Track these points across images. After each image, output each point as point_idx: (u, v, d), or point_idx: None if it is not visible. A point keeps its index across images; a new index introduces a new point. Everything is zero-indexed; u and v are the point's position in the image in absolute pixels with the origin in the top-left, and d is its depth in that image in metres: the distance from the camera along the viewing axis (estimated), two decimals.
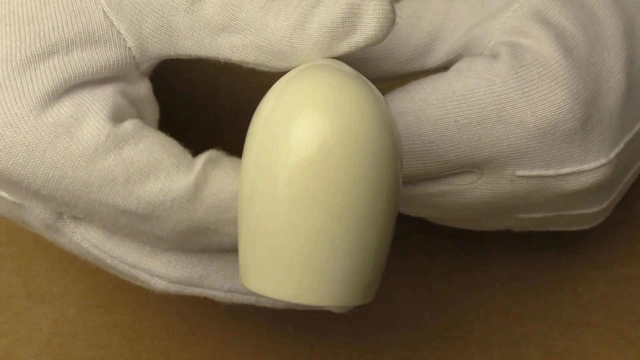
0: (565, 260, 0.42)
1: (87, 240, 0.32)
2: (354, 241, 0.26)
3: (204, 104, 0.41)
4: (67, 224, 0.32)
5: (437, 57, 0.36)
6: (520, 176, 0.33)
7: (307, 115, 0.26)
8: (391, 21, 0.30)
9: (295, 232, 0.26)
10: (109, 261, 0.32)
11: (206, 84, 0.41)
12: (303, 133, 0.26)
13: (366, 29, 0.30)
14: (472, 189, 0.34)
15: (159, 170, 0.30)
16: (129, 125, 0.30)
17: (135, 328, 0.40)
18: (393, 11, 0.30)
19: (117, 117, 0.30)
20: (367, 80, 0.28)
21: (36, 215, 0.31)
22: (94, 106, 0.30)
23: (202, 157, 0.31)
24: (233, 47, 0.31)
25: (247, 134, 0.28)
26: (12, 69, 0.29)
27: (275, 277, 0.27)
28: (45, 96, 0.29)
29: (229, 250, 0.32)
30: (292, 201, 0.26)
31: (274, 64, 0.31)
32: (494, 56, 0.34)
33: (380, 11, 0.30)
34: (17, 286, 0.41)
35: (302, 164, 0.26)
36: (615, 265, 0.42)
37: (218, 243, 0.32)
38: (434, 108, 0.33)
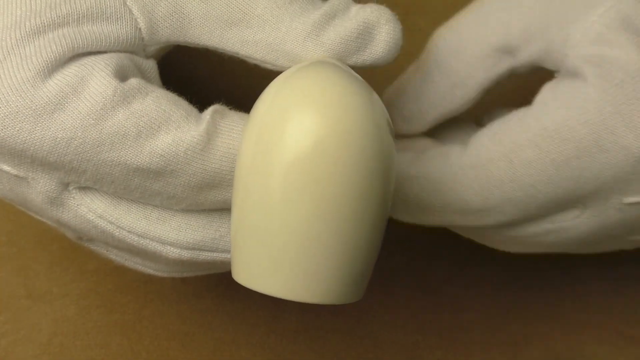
0: (565, 260, 0.42)
1: (93, 211, 0.31)
2: (345, 239, 0.26)
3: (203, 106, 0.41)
4: (73, 195, 0.31)
5: (513, 61, 0.34)
6: (629, 204, 0.31)
7: (302, 113, 0.26)
8: (398, 47, 0.31)
9: (287, 229, 0.26)
10: (116, 233, 0.31)
11: (206, 86, 0.41)
12: (297, 131, 0.26)
13: (376, 49, 0.31)
14: (577, 224, 0.32)
15: (170, 122, 0.29)
16: (134, 81, 0.30)
17: (135, 328, 0.40)
18: (402, 37, 0.31)
19: (121, 75, 0.30)
20: (363, 81, 0.28)
21: (40, 188, 0.30)
22: (98, 64, 0.29)
23: (209, 110, 0.31)
24: (243, 41, 0.31)
25: (244, 131, 0.28)
26: (21, 36, 0.29)
27: (265, 273, 0.27)
28: (52, 62, 0.29)
29: None
30: (285, 198, 0.26)
31: (281, 63, 0.31)
32: (578, 76, 0.32)
33: (392, 35, 0.31)
34: (17, 286, 0.41)
35: (296, 162, 0.26)
36: (615, 265, 0.42)
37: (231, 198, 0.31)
38: (526, 149, 0.31)
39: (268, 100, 0.28)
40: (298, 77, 0.28)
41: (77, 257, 0.41)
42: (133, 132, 0.29)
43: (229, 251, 0.32)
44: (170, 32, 0.31)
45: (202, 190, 0.30)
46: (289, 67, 0.31)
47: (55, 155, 0.29)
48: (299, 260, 0.26)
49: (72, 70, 0.29)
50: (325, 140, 0.26)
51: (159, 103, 0.30)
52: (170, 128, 0.29)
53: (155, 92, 0.30)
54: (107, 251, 0.33)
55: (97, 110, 0.29)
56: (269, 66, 0.32)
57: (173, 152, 0.29)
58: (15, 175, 0.30)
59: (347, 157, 0.26)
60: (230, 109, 0.31)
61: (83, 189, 0.31)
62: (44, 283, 0.41)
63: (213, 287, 0.41)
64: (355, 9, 0.31)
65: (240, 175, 0.28)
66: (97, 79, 0.29)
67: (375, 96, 0.28)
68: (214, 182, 0.30)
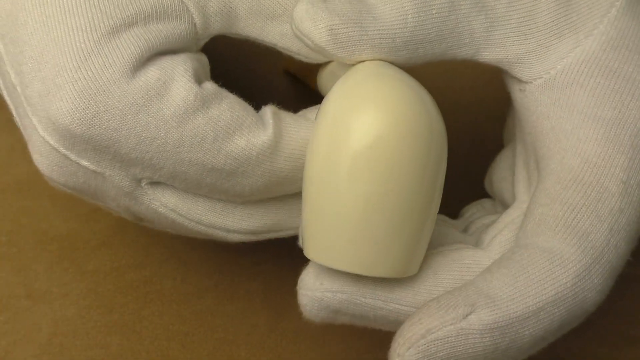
0: None
1: (165, 205, 0.32)
2: (404, 218, 0.30)
3: None
4: (145, 190, 0.32)
5: (494, 54, 0.33)
6: None
7: (367, 112, 0.29)
8: None
9: (353, 209, 0.30)
10: (186, 223, 0.33)
11: None
12: (363, 126, 0.29)
13: None
14: None
15: (243, 127, 0.31)
16: (209, 85, 0.31)
17: (135, 328, 0.40)
18: None
19: (198, 79, 0.31)
20: (416, 82, 0.31)
21: (115, 183, 0.31)
22: (178, 69, 0.31)
23: (268, 112, 0.32)
24: (282, 34, 0.33)
25: (314, 127, 0.31)
26: (99, 38, 0.30)
27: (332, 248, 0.30)
28: (133, 62, 0.30)
29: (295, 193, 0.34)
30: (352, 182, 0.29)
31: (313, 56, 0.33)
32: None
33: None
34: (17, 286, 0.41)
35: (360, 155, 0.29)
36: None
37: (290, 190, 0.33)
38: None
39: (336, 101, 0.30)
40: (360, 80, 0.30)
41: (77, 257, 0.41)
42: (211, 135, 0.30)
43: (288, 229, 0.34)
44: (220, 26, 0.33)
45: (267, 187, 0.32)
46: (320, 60, 0.34)
47: (138, 152, 0.30)
48: (363, 236, 0.30)
49: (154, 73, 0.30)
50: (385, 135, 0.29)
51: (233, 108, 0.31)
52: (244, 132, 0.31)
53: (229, 98, 0.31)
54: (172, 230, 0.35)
55: (179, 114, 0.30)
56: (302, 58, 0.34)
57: (246, 155, 0.31)
58: (93, 171, 0.31)
59: (405, 150, 0.29)
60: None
61: (155, 184, 0.32)
62: (44, 283, 0.41)
63: (213, 287, 0.41)
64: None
65: (313, 167, 0.30)
66: (179, 83, 0.30)
67: (427, 95, 0.31)
68: (279, 179, 0.32)
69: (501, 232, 0.33)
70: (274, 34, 0.33)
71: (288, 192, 0.33)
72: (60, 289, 0.41)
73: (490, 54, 0.32)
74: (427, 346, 0.29)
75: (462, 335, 0.29)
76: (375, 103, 0.29)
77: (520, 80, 0.33)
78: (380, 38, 0.31)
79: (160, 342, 0.40)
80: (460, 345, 0.29)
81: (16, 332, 0.40)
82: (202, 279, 0.41)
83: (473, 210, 0.37)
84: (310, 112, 0.34)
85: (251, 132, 0.31)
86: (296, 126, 0.32)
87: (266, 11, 0.33)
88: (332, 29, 0.31)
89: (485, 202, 0.38)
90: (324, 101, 0.31)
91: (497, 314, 0.29)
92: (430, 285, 0.32)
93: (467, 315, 0.29)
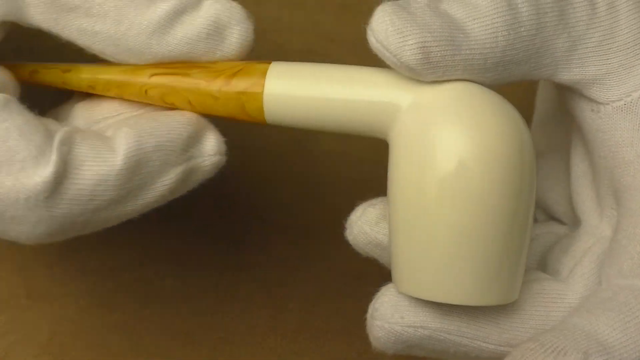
0: None
1: None
2: (503, 242, 0.28)
3: None
4: None
5: (572, 75, 0.30)
6: None
7: (457, 134, 0.27)
8: (249, 49, 0.29)
9: (450, 236, 0.27)
10: None
11: None
12: (452, 149, 0.27)
13: (226, 51, 0.29)
14: None
15: (13, 162, 0.27)
16: None
17: (135, 328, 0.40)
18: (253, 39, 0.29)
19: None
20: (508, 103, 0.29)
21: None
22: None
23: (56, 140, 0.27)
24: (81, 29, 0.29)
25: (392, 152, 0.29)
26: None
27: (430, 280, 0.28)
28: None
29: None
30: (441, 209, 0.27)
31: (121, 57, 0.30)
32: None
33: (244, 37, 0.29)
34: (17, 286, 0.41)
35: (447, 179, 0.27)
36: None
37: (91, 228, 0.29)
38: None
39: (422, 127, 0.28)
40: (450, 105, 0.28)
41: (77, 257, 0.41)
42: None
43: None
44: (4, 10, 0.29)
45: (50, 237, 0.28)
46: (130, 62, 0.30)
47: None
48: (454, 264, 0.28)
49: None
50: (475, 157, 0.27)
51: (6, 137, 0.27)
52: (13, 169, 0.27)
53: (6, 123, 0.27)
54: None
55: None
56: (108, 58, 0.30)
57: (13, 197, 0.27)
58: None
59: (497, 173, 0.27)
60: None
61: None
62: (44, 283, 0.41)
63: (213, 287, 0.41)
64: (208, 4, 0.29)
65: (399, 194, 0.28)
66: None
67: (518, 117, 0.29)
68: (64, 225, 0.28)
69: (580, 262, 0.31)
70: (71, 29, 0.29)
71: (97, 228, 0.29)
72: (60, 289, 0.41)
73: (567, 75, 0.30)
74: None
75: None
76: (468, 126, 0.27)
77: (594, 101, 0.30)
78: (472, 59, 0.27)
79: (160, 342, 0.40)
80: None
81: (16, 332, 0.40)
82: (202, 279, 0.41)
83: None
84: (112, 129, 0.29)
85: (24, 169, 0.26)
86: (94, 159, 0.28)
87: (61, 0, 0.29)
88: (425, 47, 0.27)
89: None
90: (402, 122, 0.28)
91: None
92: (517, 322, 0.29)
93: None
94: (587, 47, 0.29)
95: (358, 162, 0.40)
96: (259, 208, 0.40)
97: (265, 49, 0.39)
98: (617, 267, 0.29)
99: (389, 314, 0.29)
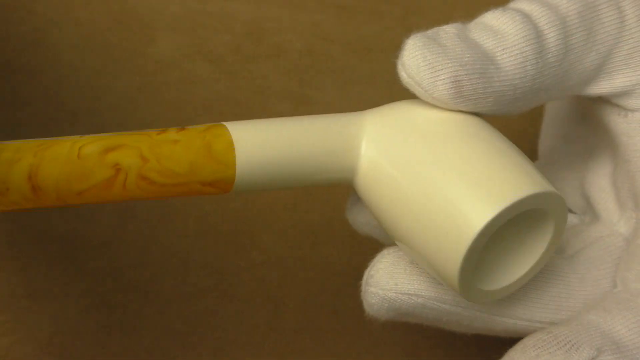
0: None
1: None
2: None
3: (205, 108, 0.41)
4: None
5: (599, 88, 0.30)
6: None
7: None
8: None
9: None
10: None
11: (206, 87, 0.41)
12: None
13: None
14: None
15: None
16: None
17: (135, 328, 0.40)
18: None
19: None
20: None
21: None
22: None
23: None
24: None
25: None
26: None
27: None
28: None
29: None
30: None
31: None
32: None
33: None
34: (17, 286, 0.41)
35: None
36: None
37: None
38: None
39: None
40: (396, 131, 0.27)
41: (77, 257, 0.41)
42: None
43: None
44: None
45: None
46: None
47: None
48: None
49: None
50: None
51: None
52: None
53: None
54: None
55: None
56: None
57: None
58: None
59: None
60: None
61: None
62: (44, 283, 0.41)
63: (213, 287, 0.41)
64: None
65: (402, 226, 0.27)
66: None
67: None
68: None
69: (589, 247, 0.31)
70: None
71: None
72: (60, 289, 0.41)
73: (594, 89, 0.29)
74: None
75: None
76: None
77: (622, 108, 0.30)
78: (503, 90, 0.27)
79: (160, 342, 0.40)
80: None
81: (16, 332, 0.40)
82: (202, 279, 0.41)
83: None
84: None
85: None
86: None
87: None
88: (457, 81, 0.26)
89: None
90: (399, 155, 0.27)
91: None
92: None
93: None
94: (616, 61, 0.29)
95: None
96: (259, 208, 0.41)
97: (265, 49, 0.39)
98: (636, 271, 0.29)
99: (383, 281, 0.28)
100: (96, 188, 0.25)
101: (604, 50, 0.29)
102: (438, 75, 0.26)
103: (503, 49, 0.27)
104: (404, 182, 0.26)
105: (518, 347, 0.28)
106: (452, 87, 0.26)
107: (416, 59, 0.26)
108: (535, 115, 0.39)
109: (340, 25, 0.40)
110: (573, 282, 0.30)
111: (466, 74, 0.26)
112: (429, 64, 0.26)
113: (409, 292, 0.28)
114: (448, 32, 0.27)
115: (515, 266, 0.28)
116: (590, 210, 0.33)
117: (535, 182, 0.26)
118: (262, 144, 0.26)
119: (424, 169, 0.26)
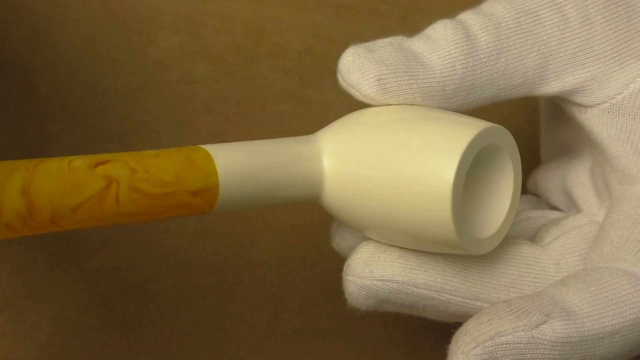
0: None
1: None
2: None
3: (205, 108, 0.41)
4: None
5: (550, 87, 0.32)
6: None
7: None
8: None
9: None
10: None
11: (206, 87, 0.41)
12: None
13: None
14: None
15: None
16: None
17: (135, 328, 0.40)
18: None
19: None
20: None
21: None
22: None
23: None
24: None
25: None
26: None
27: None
28: None
29: None
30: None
31: None
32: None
33: None
34: (17, 286, 0.41)
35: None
36: None
37: None
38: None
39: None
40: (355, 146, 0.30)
41: (77, 257, 0.41)
42: None
43: None
44: None
45: None
46: None
47: None
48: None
49: None
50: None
51: None
52: None
53: None
54: None
55: None
56: None
57: None
58: None
59: None
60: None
61: None
62: (44, 283, 0.41)
63: (213, 287, 0.41)
64: None
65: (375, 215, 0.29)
66: None
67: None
68: None
69: (566, 234, 0.32)
70: None
71: None
72: (60, 289, 0.41)
73: (546, 88, 0.32)
74: (494, 348, 0.28)
75: (532, 343, 0.28)
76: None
77: (580, 105, 0.32)
78: (430, 86, 0.30)
79: (160, 342, 0.40)
80: (528, 354, 0.28)
81: (16, 332, 0.40)
82: (202, 279, 0.41)
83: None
84: None
85: None
86: None
87: None
88: (381, 79, 0.30)
89: (532, 197, 0.37)
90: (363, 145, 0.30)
91: (571, 328, 0.28)
92: (487, 277, 0.31)
93: (540, 325, 0.28)
94: (563, 60, 0.31)
95: None
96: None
97: (265, 48, 0.39)
98: (599, 251, 0.31)
99: (359, 269, 0.30)
100: (90, 202, 0.26)
101: (546, 51, 0.31)
102: (365, 76, 0.30)
103: (432, 51, 0.30)
104: (372, 173, 0.29)
105: (476, 314, 0.29)
106: (377, 85, 0.30)
107: (347, 63, 0.30)
108: (535, 115, 0.39)
109: (340, 25, 0.40)
110: (549, 267, 0.31)
111: (390, 73, 0.30)
112: (358, 66, 0.30)
113: (383, 277, 0.30)
114: (383, 41, 0.31)
115: (497, 210, 0.30)
116: (573, 206, 0.34)
117: (477, 124, 0.29)
118: (236, 155, 0.28)
119: (384, 153, 0.29)
